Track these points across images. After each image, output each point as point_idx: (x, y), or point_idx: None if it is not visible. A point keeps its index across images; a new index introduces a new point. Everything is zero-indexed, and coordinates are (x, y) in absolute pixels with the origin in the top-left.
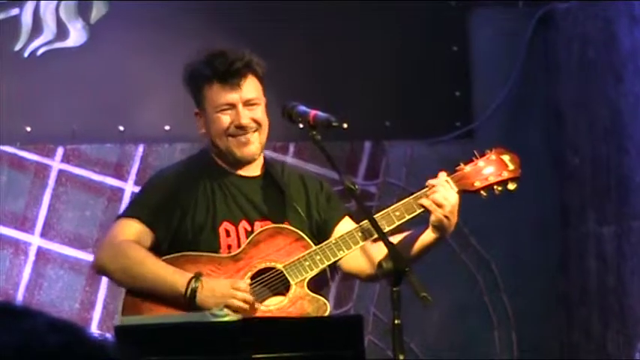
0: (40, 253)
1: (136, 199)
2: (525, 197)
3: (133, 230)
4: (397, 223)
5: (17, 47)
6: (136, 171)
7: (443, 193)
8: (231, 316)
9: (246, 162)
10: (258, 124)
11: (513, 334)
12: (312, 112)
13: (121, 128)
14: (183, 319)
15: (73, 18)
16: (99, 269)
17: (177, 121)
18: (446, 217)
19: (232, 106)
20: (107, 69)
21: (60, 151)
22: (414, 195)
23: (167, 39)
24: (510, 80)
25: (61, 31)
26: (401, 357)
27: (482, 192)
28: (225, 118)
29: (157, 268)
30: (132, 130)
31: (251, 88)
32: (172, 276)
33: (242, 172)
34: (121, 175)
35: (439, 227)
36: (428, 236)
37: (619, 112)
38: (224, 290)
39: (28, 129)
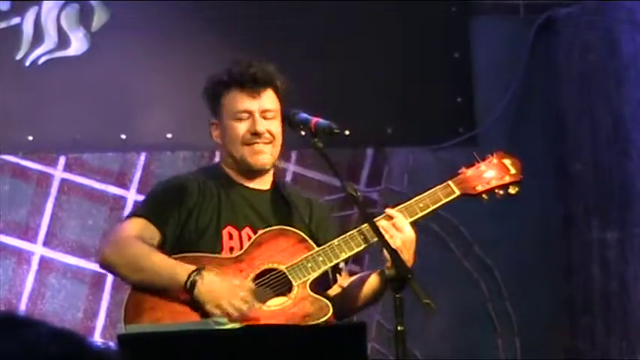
0: (43, 262)
1: (145, 200)
2: (528, 204)
3: (139, 228)
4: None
5: (19, 56)
6: (138, 179)
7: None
8: (234, 324)
9: (258, 171)
10: (273, 136)
11: (517, 340)
12: (314, 120)
13: (123, 136)
14: (185, 327)
15: (74, 27)
16: (104, 264)
17: (179, 128)
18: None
19: (249, 114)
20: (109, 77)
21: (62, 160)
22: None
23: (168, 47)
24: (512, 86)
25: (63, 40)
26: None
27: (483, 196)
28: (242, 126)
29: (160, 261)
30: (134, 138)
31: (269, 100)
32: (174, 267)
33: (252, 185)
34: (123, 184)
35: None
36: (375, 279)
37: (621, 117)
38: (222, 292)
39: (30, 138)
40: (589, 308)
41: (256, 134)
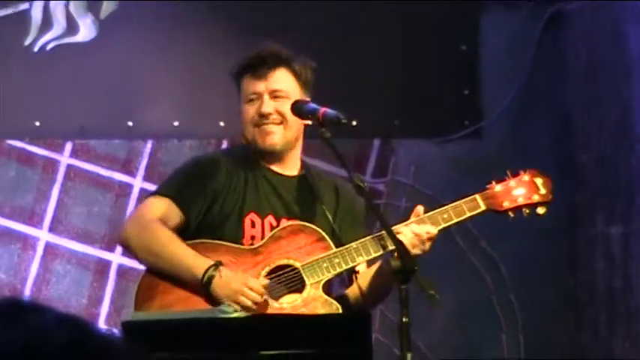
0: (48, 248)
1: (172, 178)
2: None
3: (163, 209)
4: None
5: (27, 42)
6: (144, 167)
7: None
8: (239, 313)
9: (269, 153)
10: (283, 117)
11: (520, 334)
12: (321, 110)
13: (130, 124)
14: (191, 315)
15: (82, 13)
16: (123, 243)
17: (186, 116)
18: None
19: (259, 95)
20: (116, 64)
21: (69, 146)
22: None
23: (176, 35)
24: (519, 79)
25: (71, 26)
26: (408, 355)
27: (510, 213)
28: (252, 108)
29: (180, 251)
30: (141, 125)
31: (279, 79)
32: (193, 260)
33: (278, 169)
34: (130, 171)
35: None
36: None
37: (628, 111)
38: (237, 286)
39: (37, 124)
40: (593, 302)
41: (263, 115)
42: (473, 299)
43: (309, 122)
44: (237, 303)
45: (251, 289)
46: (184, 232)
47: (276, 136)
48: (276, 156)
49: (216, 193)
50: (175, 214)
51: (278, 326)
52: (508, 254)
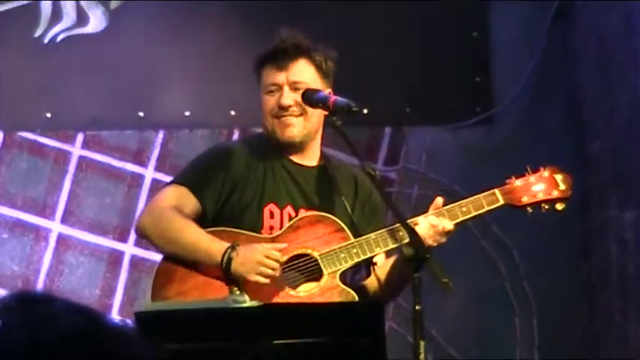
0: (61, 239)
1: (189, 167)
2: None
3: (179, 197)
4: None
5: (37, 33)
6: (156, 157)
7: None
8: (252, 303)
9: (289, 145)
10: (303, 109)
11: (534, 320)
12: (332, 98)
13: (141, 114)
14: (204, 305)
15: (92, 4)
16: (140, 232)
17: (197, 106)
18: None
19: (279, 87)
20: (127, 55)
21: (80, 137)
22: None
23: (187, 25)
24: (530, 66)
25: (81, 17)
26: (422, 343)
27: (528, 208)
28: (272, 99)
29: (196, 236)
30: (152, 116)
31: (300, 71)
32: (210, 244)
33: (297, 160)
34: (141, 162)
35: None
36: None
37: (639, 97)
38: (256, 257)
39: (49, 115)
40: (607, 288)
41: (282, 107)
42: (486, 286)
43: (327, 112)
44: (260, 275)
45: (268, 257)
46: (202, 221)
47: (295, 128)
48: (296, 147)
49: (234, 183)
50: (191, 203)
51: (291, 315)
52: (521, 241)
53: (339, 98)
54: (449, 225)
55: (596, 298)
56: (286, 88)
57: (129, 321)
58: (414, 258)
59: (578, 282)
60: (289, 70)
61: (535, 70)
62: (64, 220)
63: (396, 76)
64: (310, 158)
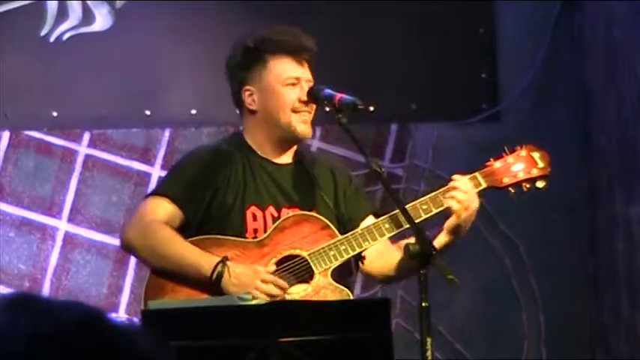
0: (68, 237)
1: (167, 177)
2: (553, 178)
3: (162, 209)
4: (424, 217)
5: (43, 32)
6: (162, 155)
7: (468, 196)
8: (258, 300)
9: (295, 142)
10: (312, 107)
11: (541, 315)
12: (338, 95)
13: (148, 112)
14: (209, 302)
15: (98, 3)
16: (126, 246)
17: (203, 104)
18: (464, 220)
19: (297, 80)
20: (133, 53)
21: (86, 135)
22: (440, 190)
23: (193, 23)
24: (537, 61)
25: (87, 16)
26: (429, 340)
27: (510, 189)
28: (293, 92)
29: (184, 250)
30: (158, 114)
31: (309, 70)
32: (199, 258)
33: (274, 159)
34: (148, 160)
35: (454, 230)
36: (441, 240)
37: None
38: (249, 280)
39: (55, 114)
40: (614, 282)
41: (304, 103)
42: (492, 282)
43: (327, 108)
44: (254, 294)
45: (264, 280)
46: (186, 229)
47: (309, 126)
48: (289, 144)
49: (215, 189)
50: (174, 213)
51: (297, 312)
52: (527, 235)
53: (345, 96)
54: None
55: (603, 293)
56: (304, 84)
57: (136, 319)
58: (420, 254)
59: (584, 277)
60: (305, 67)
61: (541, 64)
62: (70, 219)
63: (402, 73)
64: (287, 156)
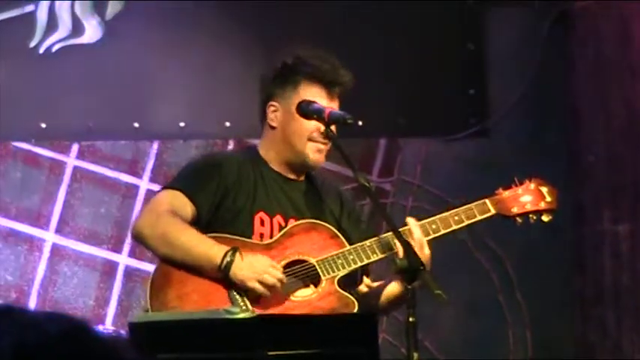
0: (55, 249)
1: (183, 172)
2: None
3: (176, 201)
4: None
5: (32, 44)
6: (150, 168)
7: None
8: (246, 314)
9: (310, 168)
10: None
11: (528, 332)
12: (327, 110)
13: (136, 125)
14: (197, 315)
15: (88, 14)
16: (137, 235)
17: (192, 117)
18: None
19: None
20: (122, 66)
21: (75, 147)
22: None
23: (182, 36)
24: (526, 78)
25: (77, 28)
26: (415, 355)
27: (517, 218)
28: (313, 122)
29: (195, 239)
30: (147, 126)
31: (337, 104)
32: (210, 247)
33: (287, 174)
34: (136, 172)
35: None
36: (394, 287)
37: (635, 110)
38: (261, 266)
39: (43, 125)
40: (600, 300)
41: (324, 135)
42: (479, 298)
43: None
44: (260, 282)
45: (275, 267)
46: (196, 226)
47: (324, 156)
48: (302, 169)
49: (227, 189)
50: (187, 206)
51: (284, 326)
52: (514, 252)
53: (334, 110)
54: (440, 230)
55: (590, 310)
56: None
57: (122, 331)
58: (408, 269)
59: (571, 294)
60: (335, 101)
61: (531, 81)
62: (58, 230)
63: (391, 88)
64: (298, 174)
